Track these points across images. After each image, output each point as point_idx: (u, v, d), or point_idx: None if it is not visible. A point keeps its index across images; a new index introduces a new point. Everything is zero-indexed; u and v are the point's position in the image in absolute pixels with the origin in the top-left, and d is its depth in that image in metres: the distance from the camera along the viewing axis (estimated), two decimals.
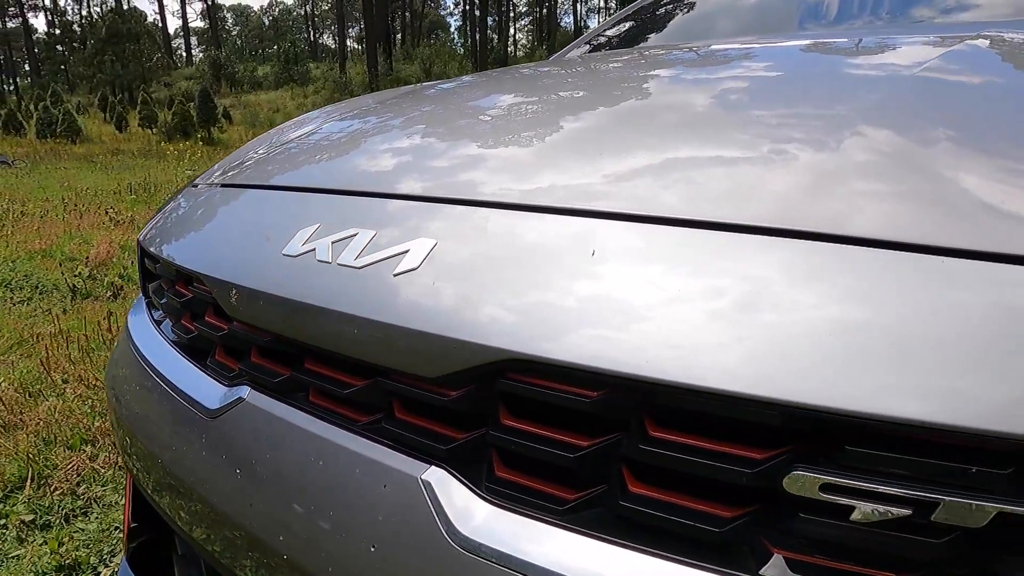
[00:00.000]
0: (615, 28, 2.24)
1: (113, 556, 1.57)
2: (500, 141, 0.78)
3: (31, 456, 1.95)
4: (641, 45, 1.91)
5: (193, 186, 1.11)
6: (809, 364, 0.40)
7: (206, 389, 0.80)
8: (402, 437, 0.60)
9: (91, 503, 1.78)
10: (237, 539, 0.72)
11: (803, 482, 0.41)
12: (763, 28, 1.67)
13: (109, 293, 3.87)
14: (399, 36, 55.64)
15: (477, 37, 39.98)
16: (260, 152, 1.12)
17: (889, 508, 0.39)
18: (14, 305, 3.67)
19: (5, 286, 4.00)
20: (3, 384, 2.47)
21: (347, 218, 0.70)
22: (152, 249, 0.95)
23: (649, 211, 0.54)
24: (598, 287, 0.50)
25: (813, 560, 0.43)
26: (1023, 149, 0.53)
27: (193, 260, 0.84)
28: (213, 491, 0.75)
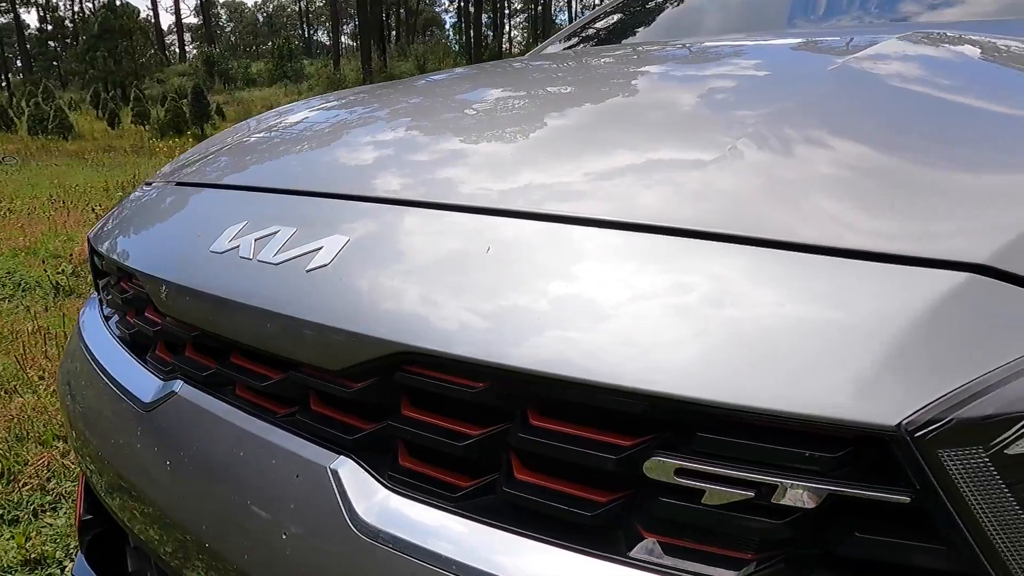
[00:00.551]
0: (594, 24, 2.26)
1: (79, 550, 1.59)
2: (426, 142, 0.80)
3: (2, 452, 1.96)
4: (610, 43, 1.93)
5: (147, 184, 1.13)
6: (665, 355, 0.43)
7: (144, 383, 0.82)
8: (314, 428, 0.62)
9: (60, 498, 1.80)
10: (170, 529, 0.74)
11: (661, 467, 0.44)
12: (724, 27, 1.68)
13: (92, 291, 3.87)
14: (394, 33, 55.52)
15: (472, 34, 39.95)
16: (212, 150, 1.13)
17: (735, 491, 0.41)
18: None
19: None
20: None
21: (272, 216, 0.72)
22: (98, 246, 0.97)
23: (541, 210, 0.56)
24: (487, 283, 0.52)
25: (678, 542, 0.45)
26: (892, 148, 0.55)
27: (131, 257, 0.86)
28: (148, 483, 0.77)
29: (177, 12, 68.32)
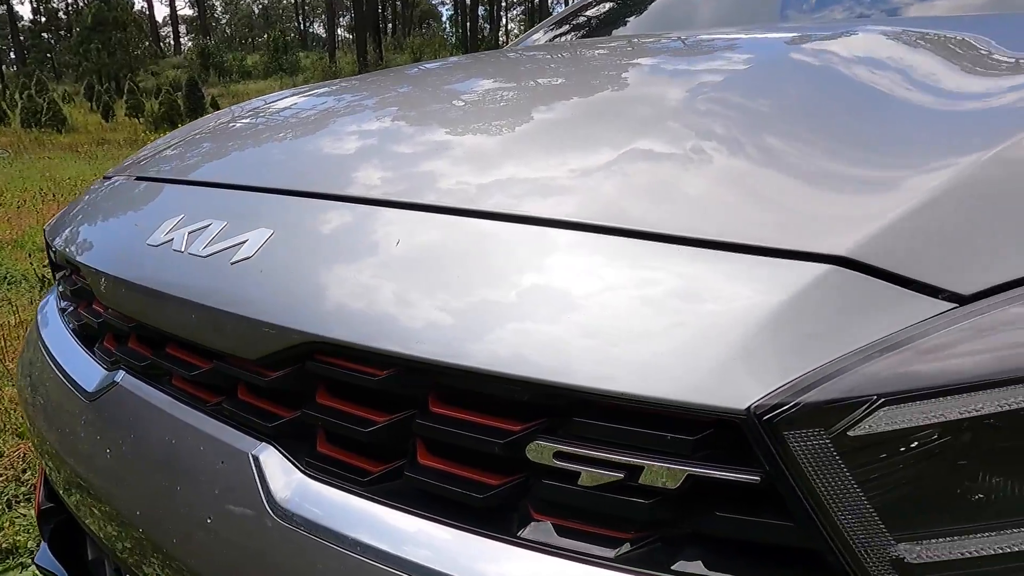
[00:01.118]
0: (576, 16, 2.27)
1: (42, 539, 1.61)
2: (363, 138, 0.81)
3: None
4: (589, 33, 1.94)
5: (105, 178, 1.14)
6: (535, 343, 0.44)
7: (89, 373, 0.84)
8: (239, 416, 0.64)
9: (35, 490, 1.82)
10: (110, 516, 0.76)
11: (541, 451, 0.46)
12: (693, 21, 1.69)
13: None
14: (390, 25, 55.30)
15: (468, 27, 39.81)
16: (169, 144, 1.15)
17: (607, 472, 0.43)
18: None
19: None
20: None
21: (208, 209, 0.74)
22: (51, 239, 0.98)
23: (445, 203, 0.58)
24: (390, 275, 0.54)
25: (564, 523, 0.47)
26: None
27: (76, 250, 0.87)
28: (91, 471, 0.79)
29: (172, 4, 67.99)
